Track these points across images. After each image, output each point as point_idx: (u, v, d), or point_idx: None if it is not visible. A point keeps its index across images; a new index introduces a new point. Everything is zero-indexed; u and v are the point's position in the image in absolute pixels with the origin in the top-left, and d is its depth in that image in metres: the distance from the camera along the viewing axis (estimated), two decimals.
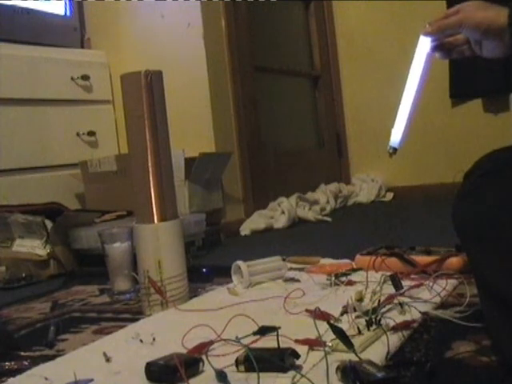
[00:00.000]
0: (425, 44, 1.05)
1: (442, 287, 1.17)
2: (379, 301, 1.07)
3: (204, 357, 0.87)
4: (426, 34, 1.03)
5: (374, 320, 0.96)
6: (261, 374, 0.78)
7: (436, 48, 1.04)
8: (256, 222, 2.54)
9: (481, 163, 0.90)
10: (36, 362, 1.00)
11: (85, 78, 2.44)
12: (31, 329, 1.25)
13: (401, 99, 1.08)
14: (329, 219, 2.70)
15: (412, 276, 1.31)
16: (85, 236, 1.88)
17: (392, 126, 1.07)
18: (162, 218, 1.28)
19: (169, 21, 2.53)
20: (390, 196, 3.31)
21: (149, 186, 1.27)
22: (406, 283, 1.21)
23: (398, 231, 2.16)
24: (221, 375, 0.82)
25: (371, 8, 3.36)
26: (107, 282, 1.49)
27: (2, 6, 2.23)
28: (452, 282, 1.23)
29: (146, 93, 1.27)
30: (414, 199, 3.12)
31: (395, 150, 1.07)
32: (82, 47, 2.61)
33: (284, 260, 1.50)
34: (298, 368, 0.83)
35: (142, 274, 1.28)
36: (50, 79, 2.33)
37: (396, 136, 1.07)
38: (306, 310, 1.10)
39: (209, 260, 1.94)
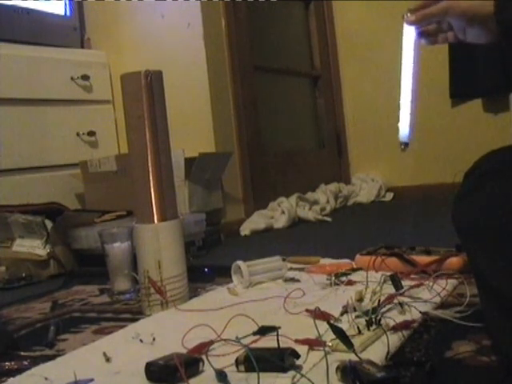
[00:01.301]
0: (410, 32, 1.04)
1: (442, 287, 1.17)
2: (379, 301, 1.07)
3: (204, 357, 0.87)
4: (410, 23, 1.02)
5: (374, 320, 0.96)
6: (261, 373, 0.78)
7: (420, 35, 1.03)
8: (256, 221, 2.54)
9: (481, 163, 0.90)
10: (36, 362, 1.00)
11: (85, 77, 2.44)
12: (31, 329, 1.25)
13: (400, 93, 1.07)
14: (329, 219, 2.70)
15: (412, 276, 1.31)
16: (85, 236, 1.88)
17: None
18: (162, 218, 1.28)
19: (169, 21, 2.52)
20: (390, 196, 3.31)
21: (149, 186, 1.27)
22: (406, 283, 1.21)
23: (397, 231, 2.16)
24: (221, 375, 0.82)
25: (371, 8, 3.36)
26: (107, 282, 1.49)
27: (1, 5, 2.23)
28: (452, 281, 1.23)
29: (146, 93, 1.27)
30: (414, 199, 3.12)
31: (407, 144, 1.06)
32: (82, 47, 2.61)
33: (284, 260, 1.50)
34: (298, 368, 0.83)
35: (142, 273, 1.28)
36: (50, 79, 2.33)
37: (404, 130, 1.06)
38: (306, 310, 1.10)
39: (209, 260, 1.94)
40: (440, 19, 0.99)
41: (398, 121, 1.06)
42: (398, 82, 1.06)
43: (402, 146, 1.05)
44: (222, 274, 1.53)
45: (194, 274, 1.40)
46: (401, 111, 1.06)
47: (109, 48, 2.61)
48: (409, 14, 1.01)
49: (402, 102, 1.06)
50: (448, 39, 1.03)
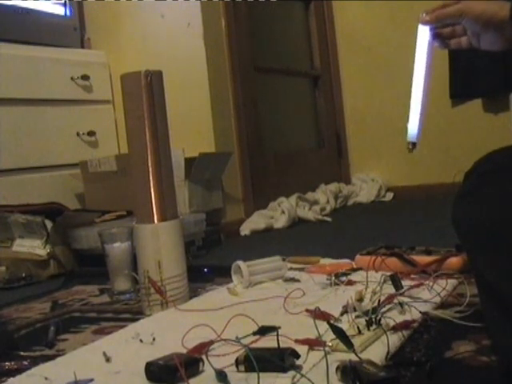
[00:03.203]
0: (425, 33, 1.03)
1: (442, 287, 1.17)
2: (379, 301, 1.07)
3: (204, 357, 0.87)
4: (424, 23, 1.02)
5: (374, 320, 0.96)
6: (261, 374, 0.78)
7: (434, 37, 1.03)
8: (256, 221, 2.54)
9: (481, 163, 0.90)
10: (36, 362, 1.00)
11: (85, 77, 2.44)
12: (31, 329, 1.25)
13: (410, 92, 1.06)
14: (329, 219, 2.70)
15: (412, 276, 1.31)
16: (85, 236, 1.88)
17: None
18: (162, 218, 1.28)
19: (169, 21, 2.52)
20: (390, 196, 3.31)
21: (149, 186, 1.27)
22: (406, 283, 1.21)
23: (397, 231, 2.16)
24: (221, 375, 0.82)
25: (371, 8, 3.36)
26: (107, 281, 1.49)
27: (1, 5, 2.23)
28: (452, 281, 1.23)
29: (146, 93, 1.27)
30: (414, 199, 3.12)
31: (414, 144, 1.05)
32: (82, 47, 2.61)
33: (284, 260, 1.50)
34: (298, 368, 0.83)
35: (142, 273, 1.28)
36: (50, 79, 2.33)
37: (413, 130, 1.05)
38: (306, 310, 1.10)
39: (209, 260, 1.94)
40: (455, 21, 0.99)
41: (407, 121, 1.05)
42: (410, 82, 1.06)
43: (410, 146, 1.04)
44: (221, 274, 1.53)
45: (193, 274, 1.40)
46: (410, 111, 1.05)
47: (109, 48, 2.61)
48: (424, 14, 1.01)
49: (412, 101, 1.05)
50: (461, 44, 1.02)
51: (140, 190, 1.29)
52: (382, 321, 0.97)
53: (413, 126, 1.05)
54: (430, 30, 1.02)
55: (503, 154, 0.90)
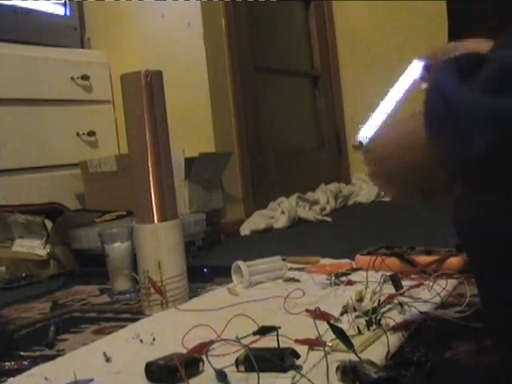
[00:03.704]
0: (416, 69, 1.06)
1: (442, 287, 1.17)
2: (379, 301, 1.07)
3: (204, 357, 0.87)
4: (421, 58, 1.04)
5: (374, 320, 0.96)
6: (261, 373, 0.78)
7: (428, 74, 1.05)
8: (256, 222, 2.54)
9: None
10: (36, 361, 1.00)
11: (85, 77, 2.44)
12: (31, 329, 1.25)
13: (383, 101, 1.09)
14: (329, 219, 2.70)
15: (412, 276, 1.31)
16: (85, 236, 1.88)
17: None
18: (162, 218, 1.28)
19: (169, 21, 2.52)
20: None
21: (149, 186, 1.27)
22: (406, 283, 1.21)
23: (397, 231, 2.16)
24: (221, 375, 0.82)
25: (371, 8, 3.36)
26: (107, 282, 1.49)
27: (1, 5, 2.23)
28: (452, 281, 1.23)
29: (146, 93, 1.27)
30: None
31: (361, 144, 1.07)
32: (82, 47, 2.61)
33: (284, 260, 1.50)
34: (298, 368, 0.83)
35: (142, 273, 1.28)
36: (50, 79, 2.33)
37: (366, 133, 1.07)
38: (306, 310, 1.10)
39: (209, 260, 1.94)
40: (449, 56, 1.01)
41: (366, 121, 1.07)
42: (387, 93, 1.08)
43: (358, 144, 1.07)
44: (221, 274, 1.53)
45: (193, 274, 1.40)
46: (373, 116, 1.07)
47: (109, 48, 2.61)
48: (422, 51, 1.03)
49: (378, 110, 1.08)
50: None
51: (140, 190, 1.29)
52: (382, 321, 0.97)
53: (368, 130, 1.07)
54: (423, 67, 1.04)
55: None
